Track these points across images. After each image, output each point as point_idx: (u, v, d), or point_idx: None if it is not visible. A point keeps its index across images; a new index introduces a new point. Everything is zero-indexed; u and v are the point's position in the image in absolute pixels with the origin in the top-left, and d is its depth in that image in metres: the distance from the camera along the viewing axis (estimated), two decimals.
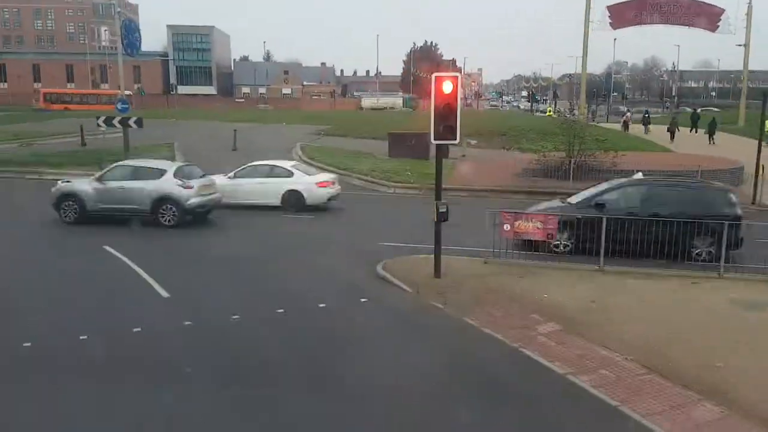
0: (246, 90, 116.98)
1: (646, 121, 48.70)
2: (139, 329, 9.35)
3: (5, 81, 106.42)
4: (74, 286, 11.82)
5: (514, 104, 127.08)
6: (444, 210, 11.54)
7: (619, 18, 54.10)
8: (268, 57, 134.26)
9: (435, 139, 11.26)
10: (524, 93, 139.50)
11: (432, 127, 11.10)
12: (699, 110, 60.75)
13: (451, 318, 10.15)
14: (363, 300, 10.93)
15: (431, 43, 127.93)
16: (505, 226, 12.74)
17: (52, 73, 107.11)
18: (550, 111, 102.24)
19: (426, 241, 12.87)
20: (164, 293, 11.09)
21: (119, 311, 10.34)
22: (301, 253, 14.37)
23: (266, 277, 12.69)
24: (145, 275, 12.08)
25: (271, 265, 13.53)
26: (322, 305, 10.55)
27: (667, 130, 41.85)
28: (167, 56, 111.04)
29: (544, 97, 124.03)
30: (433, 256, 12.14)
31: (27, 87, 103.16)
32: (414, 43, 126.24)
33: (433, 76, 10.96)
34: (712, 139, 39.15)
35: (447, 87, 10.85)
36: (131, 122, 27.61)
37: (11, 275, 12.51)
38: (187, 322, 9.66)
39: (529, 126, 42.07)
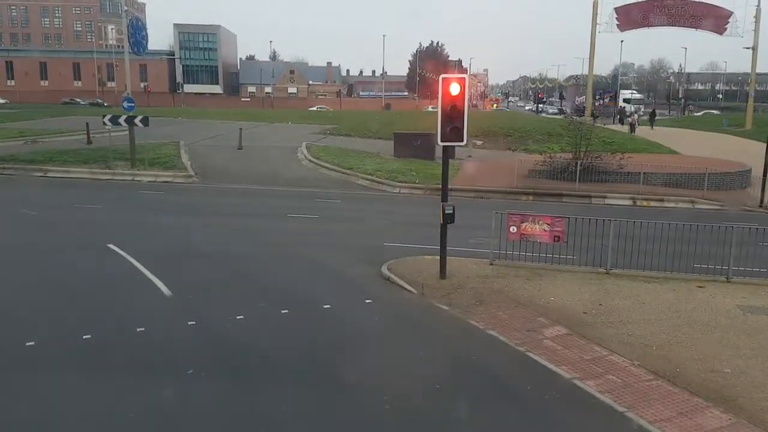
0: (252, 89, 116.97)
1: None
2: (143, 329, 9.30)
3: (12, 78, 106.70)
4: (78, 285, 11.77)
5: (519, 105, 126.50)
6: (450, 212, 11.45)
7: (626, 20, 53.85)
8: (274, 56, 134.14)
9: (441, 141, 11.18)
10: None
11: (438, 129, 11.02)
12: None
13: (456, 319, 10.07)
14: (367, 301, 10.87)
15: (437, 43, 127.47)
16: (511, 228, 12.66)
17: (58, 70, 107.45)
18: (495, 105, 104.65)
19: (431, 242, 12.83)
20: (168, 292, 11.04)
21: (123, 310, 10.29)
22: (305, 253, 14.30)
23: (270, 276, 12.63)
24: (149, 274, 12.04)
25: (274, 264, 13.51)
26: (326, 306, 10.48)
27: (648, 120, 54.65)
28: (174, 55, 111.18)
29: (551, 98, 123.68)
30: (438, 257, 12.09)
31: (34, 85, 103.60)
32: (420, 44, 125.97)
33: (440, 77, 10.88)
34: (653, 125, 51.28)
35: (454, 89, 10.77)
36: (137, 121, 27.70)
37: (15, 273, 12.51)
38: (190, 322, 9.61)
39: (534, 127, 41.94)
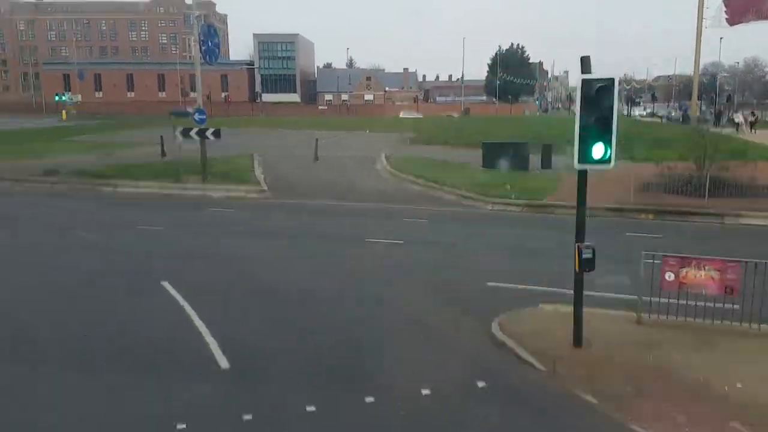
0: (329, 97, 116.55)
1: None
2: (183, 426, 6.89)
3: (101, 90, 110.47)
4: (116, 341, 9.57)
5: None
6: (590, 256, 8.54)
7: (736, 13, 48.72)
8: (350, 63, 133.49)
9: (579, 162, 8.30)
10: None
11: (576, 147, 8.17)
12: None
13: (611, 423, 7.08)
14: (480, 385, 7.88)
15: (517, 45, 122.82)
16: (667, 275, 9.52)
17: (144, 82, 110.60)
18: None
19: (545, 279, 10.22)
20: (224, 363, 8.58)
21: (163, 389, 7.89)
22: (390, 301, 11.43)
23: (350, 338, 9.70)
24: (203, 330, 9.68)
25: (355, 321, 10.59)
26: (425, 392, 7.65)
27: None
28: (253, 65, 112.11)
29: (638, 100, 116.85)
30: (564, 308, 9.28)
31: (121, 96, 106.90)
32: (499, 46, 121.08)
33: (580, 79, 8.00)
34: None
35: (600, 93, 7.89)
36: (208, 134, 26.17)
37: (50, 319, 10.49)
38: (246, 416, 7.09)
39: (636, 132, 37.91)
